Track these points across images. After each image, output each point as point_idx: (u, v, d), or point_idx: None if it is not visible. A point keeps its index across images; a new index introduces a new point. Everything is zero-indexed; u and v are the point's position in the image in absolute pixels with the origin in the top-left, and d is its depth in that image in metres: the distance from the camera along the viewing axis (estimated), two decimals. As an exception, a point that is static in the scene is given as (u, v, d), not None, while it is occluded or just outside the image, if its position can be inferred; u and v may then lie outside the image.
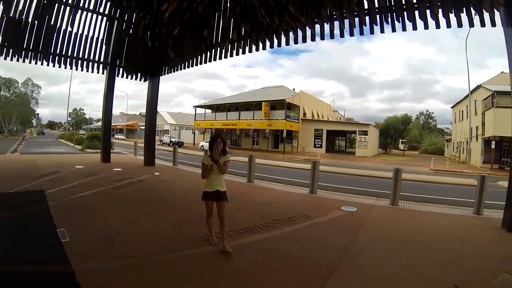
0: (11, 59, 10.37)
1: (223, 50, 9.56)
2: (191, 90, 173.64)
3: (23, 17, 10.01)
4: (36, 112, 70.17)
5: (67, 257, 3.36)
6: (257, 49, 8.61)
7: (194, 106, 47.99)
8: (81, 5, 11.02)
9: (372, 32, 6.63)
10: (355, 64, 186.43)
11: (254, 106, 38.00)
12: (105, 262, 3.34)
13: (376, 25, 6.52)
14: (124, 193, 7.28)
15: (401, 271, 3.48)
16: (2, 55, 10.11)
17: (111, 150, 14.66)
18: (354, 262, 3.67)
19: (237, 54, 9.20)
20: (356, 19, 6.66)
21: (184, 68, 11.99)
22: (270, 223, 5.08)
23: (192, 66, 11.38)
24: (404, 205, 7.29)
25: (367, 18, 6.55)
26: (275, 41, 8.05)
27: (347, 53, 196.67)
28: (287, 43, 7.85)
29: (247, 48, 8.86)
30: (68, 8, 10.79)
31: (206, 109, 47.05)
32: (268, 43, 8.24)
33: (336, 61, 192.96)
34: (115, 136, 60.74)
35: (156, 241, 4.09)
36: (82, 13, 11.18)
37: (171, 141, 41.64)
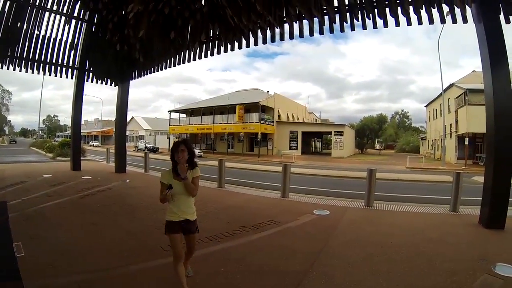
0: None
1: (192, 53, 9.36)
2: (168, 94, 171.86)
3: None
4: (8, 120, 67.69)
5: (19, 273, 3.18)
6: (225, 50, 8.43)
7: (168, 111, 47.40)
8: (48, 6, 10.57)
9: (342, 30, 6.56)
10: (331, 66, 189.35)
11: (228, 109, 37.65)
12: (58, 278, 3.14)
13: (346, 22, 6.45)
14: (90, 202, 6.94)
15: (374, 277, 3.32)
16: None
17: (83, 158, 14.13)
18: (324, 269, 3.50)
19: (206, 56, 9.02)
20: (326, 17, 6.57)
21: (154, 72, 11.69)
22: (236, 231, 4.87)
23: (161, 69, 11.12)
24: (380, 206, 7.22)
25: (337, 16, 6.47)
26: (243, 42, 7.89)
27: (323, 55, 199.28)
28: (256, 43, 7.70)
29: (215, 50, 8.68)
30: (34, 9, 10.34)
31: (181, 114, 46.60)
32: (236, 44, 8.08)
33: (313, 63, 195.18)
34: (90, 143, 59.36)
35: (116, 253, 3.87)
36: (50, 15, 10.73)
37: (146, 147, 40.79)
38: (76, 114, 12.89)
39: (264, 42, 7.61)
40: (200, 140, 42.52)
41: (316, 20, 6.67)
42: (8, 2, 9.77)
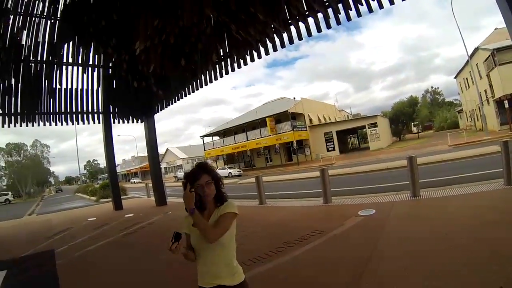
0: (8, 126, 10.57)
1: (207, 75, 9.40)
2: (198, 120, 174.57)
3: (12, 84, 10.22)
4: (51, 171, 71.85)
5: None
6: (239, 66, 8.40)
7: (200, 137, 47.91)
8: (64, 61, 11.06)
9: (348, 19, 6.28)
10: (352, 59, 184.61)
11: (259, 123, 37.36)
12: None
13: (351, 10, 6.16)
14: (132, 241, 7.04)
15: (431, 280, 2.93)
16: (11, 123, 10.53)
17: (124, 196, 14.52)
18: (374, 277, 3.19)
19: (221, 76, 9.03)
20: (330, 10, 6.32)
21: (175, 102, 11.87)
22: (280, 248, 4.63)
23: (182, 97, 11.27)
24: (427, 194, 6.71)
25: (340, 6, 6.21)
26: (255, 54, 7.81)
27: (342, 50, 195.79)
28: (267, 53, 7.56)
29: (229, 68, 8.66)
30: (54, 66, 10.93)
31: (214, 136, 46.90)
32: (248, 58, 8.01)
33: (333, 60, 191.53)
34: (131, 180, 61.31)
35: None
36: (67, 68, 11.28)
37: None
38: (109, 156, 13.33)
39: (275, 49, 7.46)
40: (237, 159, 42.63)
41: (320, 16, 6.46)
42: (33, 64, 10.38)
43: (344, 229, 5.17)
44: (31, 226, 12.08)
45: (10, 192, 47.98)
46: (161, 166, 59.27)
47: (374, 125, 36.75)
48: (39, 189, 64.44)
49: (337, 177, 13.64)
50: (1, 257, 6.76)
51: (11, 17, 9.27)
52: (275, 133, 35.94)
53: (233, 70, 8.60)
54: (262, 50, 7.64)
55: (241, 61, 8.27)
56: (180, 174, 44.22)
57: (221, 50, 8.34)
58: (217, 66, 8.90)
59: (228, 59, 8.53)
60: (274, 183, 16.65)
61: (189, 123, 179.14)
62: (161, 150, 71.13)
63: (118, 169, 62.80)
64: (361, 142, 58.37)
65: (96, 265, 5.37)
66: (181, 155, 64.72)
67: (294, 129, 35.14)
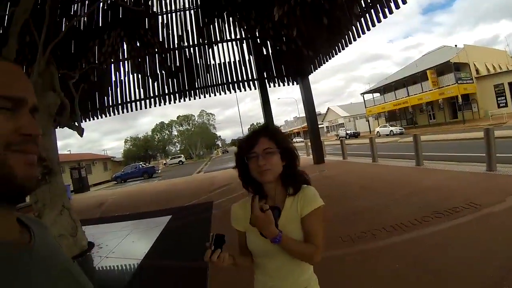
0: (174, 102, 12.77)
1: (354, 31, 8.84)
2: (359, 77, 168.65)
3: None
4: (218, 135, 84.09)
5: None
6: (384, 16, 7.48)
7: (361, 94, 46.36)
8: (225, 38, 12.56)
9: None
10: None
11: (420, 77, 33.00)
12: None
13: None
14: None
15: None
16: (177, 99, 12.72)
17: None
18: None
19: (368, 29, 8.30)
20: None
21: (327, 61, 11.76)
22: (427, 217, 4.09)
23: (333, 56, 11.07)
24: None
25: None
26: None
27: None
28: None
29: (375, 19, 7.83)
30: (206, 46, 12.62)
31: (374, 93, 44.46)
32: (393, 4, 7.06)
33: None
34: (293, 139, 65.18)
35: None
36: (217, 45, 12.71)
37: (346, 133, 41.55)
38: (267, 117, 14.12)
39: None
40: (399, 116, 39.59)
41: None
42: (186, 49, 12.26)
43: (505, 206, 4.09)
44: (198, 181, 14.58)
45: (182, 155, 59.96)
46: (322, 125, 60.49)
47: None
48: (208, 151, 76.53)
49: (508, 140, 11.16)
50: (169, 205, 8.56)
51: (160, 16, 11.18)
52: (437, 87, 31.17)
53: (379, 21, 7.76)
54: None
55: (386, 10, 7.35)
56: (342, 132, 44.21)
57: (363, 1, 7.69)
58: (362, 19, 8.22)
59: (372, 10, 7.75)
60: (435, 143, 15.03)
61: (350, 81, 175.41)
62: (323, 109, 71.99)
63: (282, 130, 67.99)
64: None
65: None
66: (343, 113, 63.22)
67: (459, 82, 29.61)
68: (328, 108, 67.45)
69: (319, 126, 15.15)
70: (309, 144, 15.32)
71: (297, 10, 7.34)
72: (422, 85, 32.94)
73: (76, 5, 9.77)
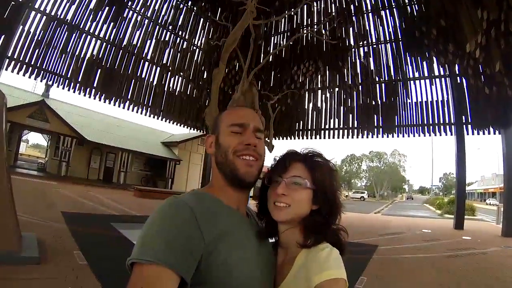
0: (367, 137, 12.80)
1: None
2: None
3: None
4: (406, 179, 76.77)
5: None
6: None
7: None
8: (410, 76, 12.04)
9: None
10: None
11: None
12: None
13: None
14: (452, 265, 6.26)
15: None
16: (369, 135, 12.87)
17: (471, 217, 13.22)
18: None
19: None
20: None
21: None
22: None
23: None
24: None
25: None
26: None
27: None
28: None
29: None
30: (401, 83, 12.22)
31: None
32: None
33: None
34: (486, 200, 53.10)
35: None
36: (414, 82, 12.08)
37: None
38: (459, 170, 12.46)
39: None
40: None
41: None
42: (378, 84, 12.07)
43: None
44: (371, 222, 13.79)
45: (366, 191, 58.17)
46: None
47: None
48: (392, 194, 70.87)
49: None
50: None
51: (355, 49, 11.52)
52: None
53: None
54: None
55: None
56: None
57: None
58: None
59: None
60: None
61: None
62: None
63: (475, 186, 56.63)
64: None
65: (401, 272, 5.43)
66: None
67: None
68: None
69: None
70: (502, 209, 12.22)
71: (501, 41, 6.11)
72: None
73: (276, 37, 11.54)
